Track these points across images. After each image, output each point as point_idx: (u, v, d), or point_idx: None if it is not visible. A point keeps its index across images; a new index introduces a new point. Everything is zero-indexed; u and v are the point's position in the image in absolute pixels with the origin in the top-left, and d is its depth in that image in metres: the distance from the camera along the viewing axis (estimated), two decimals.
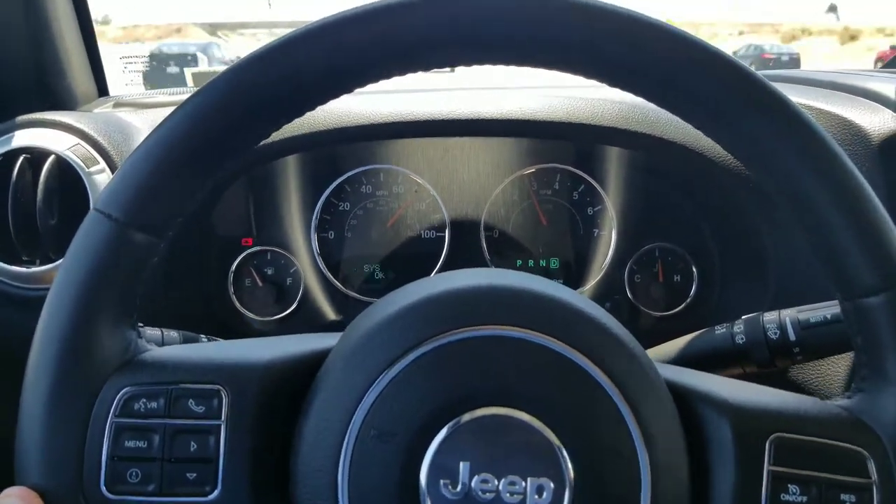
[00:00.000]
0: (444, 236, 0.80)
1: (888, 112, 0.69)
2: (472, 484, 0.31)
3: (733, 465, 0.34)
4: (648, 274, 0.80)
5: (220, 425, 0.33)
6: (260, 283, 0.78)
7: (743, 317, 0.57)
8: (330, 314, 0.80)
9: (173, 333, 0.53)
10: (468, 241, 0.80)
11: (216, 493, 0.33)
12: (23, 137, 0.64)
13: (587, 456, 0.32)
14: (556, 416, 0.32)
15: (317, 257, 0.79)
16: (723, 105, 0.34)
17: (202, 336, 0.55)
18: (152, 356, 0.35)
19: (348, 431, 0.32)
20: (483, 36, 0.33)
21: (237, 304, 0.78)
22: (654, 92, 0.35)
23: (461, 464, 0.31)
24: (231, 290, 0.78)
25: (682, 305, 0.79)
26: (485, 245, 0.80)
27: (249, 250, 0.78)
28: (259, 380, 0.34)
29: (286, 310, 0.78)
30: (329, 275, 0.79)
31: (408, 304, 0.35)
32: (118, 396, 0.33)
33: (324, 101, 0.35)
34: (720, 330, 0.58)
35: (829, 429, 0.35)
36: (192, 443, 0.33)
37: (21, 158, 0.63)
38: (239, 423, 0.33)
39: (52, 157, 0.64)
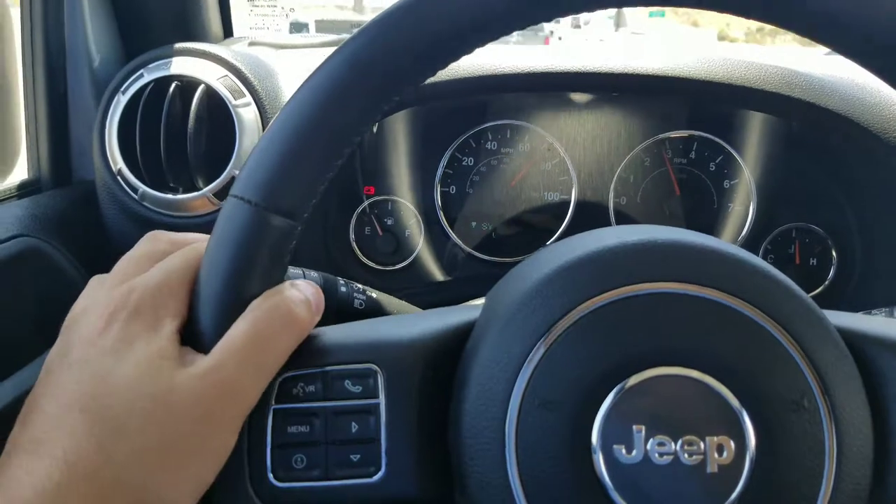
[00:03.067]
0: (570, 199, 0.78)
1: None
2: (648, 447, 0.29)
3: None
4: (784, 255, 0.76)
5: (378, 404, 0.33)
6: (380, 233, 0.77)
7: None
8: (447, 269, 0.79)
9: (313, 273, 0.53)
10: (594, 207, 0.78)
11: (381, 473, 0.32)
12: (175, 65, 0.64)
13: (766, 411, 0.30)
14: (730, 372, 0.30)
15: (438, 210, 0.78)
16: None
17: (339, 279, 0.55)
18: (305, 339, 0.34)
19: (510, 402, 0.30)
20: None
21: (357, 251, 0.77)
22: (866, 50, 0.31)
23: (634, 427, 0.29)
24: (352, 236, 0.77)
25: (818, 290, 0.75)
26: (612, 211, 0.78)
27: (371, 199, 0.77)
28: (412, 355, 0.34)
29: (404, 261, 0.77)
30: (449, 229, 0.78)
31: (560, 265, 0.33)
32: (276, 382, 0.33)
33: (477, 46, 0.32)
34: (878, 314, 0.55)
35: None
36: (353, 423, 0.33)
37: (173, 86, 0.63)
38: (397, 400, 0.33)
39: (202, 87, 0.64)
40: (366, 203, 0.77)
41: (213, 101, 0.64)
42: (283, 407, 0.33)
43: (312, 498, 0.32)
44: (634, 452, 0.29)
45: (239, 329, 0.31)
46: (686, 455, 0.29)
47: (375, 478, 0.32)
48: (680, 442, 0.29)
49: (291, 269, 0.53)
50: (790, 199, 0.75)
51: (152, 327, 0.31)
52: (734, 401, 0.30)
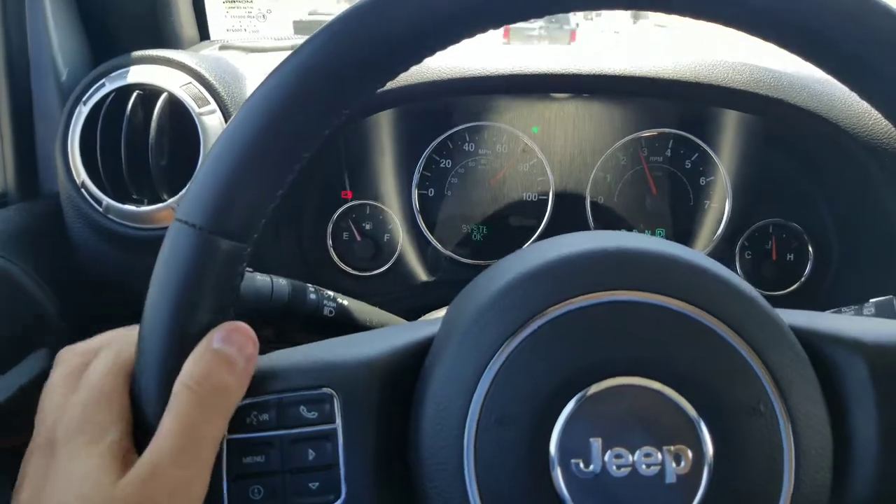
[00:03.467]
0: (548, 199, 0.77)
1: None
2: (606, 459, 0.29)
3: (874, 405, 0.32)
4: (761, 251, 0.76)
5: (335, 429, 0.32)
6: (358, 238, 0.76)
7: (872, 300, 0.53)
8: (425, 272, 0.78)
9: (282, 281, 0.52)
10: (572, 207, 0.77)
11: (341, 499, 0.31)
12: (137, 74, 0.63)
13: (723, 418, 0.30)
14: (685, 380, 0.30)
15: (416, 214, 0.77)
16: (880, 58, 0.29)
17: (309, 286, 0.54)
18: (256, 365, 0.33)
19: (468, 420, 0.30)
20: None
21: (335, 257, 0.76)
22: (800, 43, 0.31)
23: (591, 440, 0.29)
24: (329, 242, 0.76)
25: (795, 286, 0.75)
26: (589, 211, 0.77)
27: (349, 203, 0.76)
28: (368, 377, 0.33)
29: (382, 266, 0.76)
30: (427, 233, 0.77)
31: (515, 277, 0.32)
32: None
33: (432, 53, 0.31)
34: (847, 311, 0.55)
35: None
36: (310, 451, 0.32)
37: (134, 95, 0.62)
38: (354, 424, 0.32)
39: (164, 95, 0.62)
40: (343, 208, 0.76)
41: (177, 109, 0.63)
42: (238, 437, 0.32)
43: None
44: (592, 466, 0.29)
45: (166, 425, 0.30)
46: (644, 466, 0.29)
47: None
48: (637, 453, 0.29)
49: (259, 277, 0.52)
50: (766, 196, 0.75)
51: (94, 441, 0.30)
52: (690, 409, 0.30)
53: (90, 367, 0.32)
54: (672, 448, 0.29)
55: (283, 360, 0.34)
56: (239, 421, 0.32)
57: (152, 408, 0.31)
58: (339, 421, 0.32)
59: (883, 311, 0.52)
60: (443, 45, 0.31)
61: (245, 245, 0.32)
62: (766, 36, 0.31)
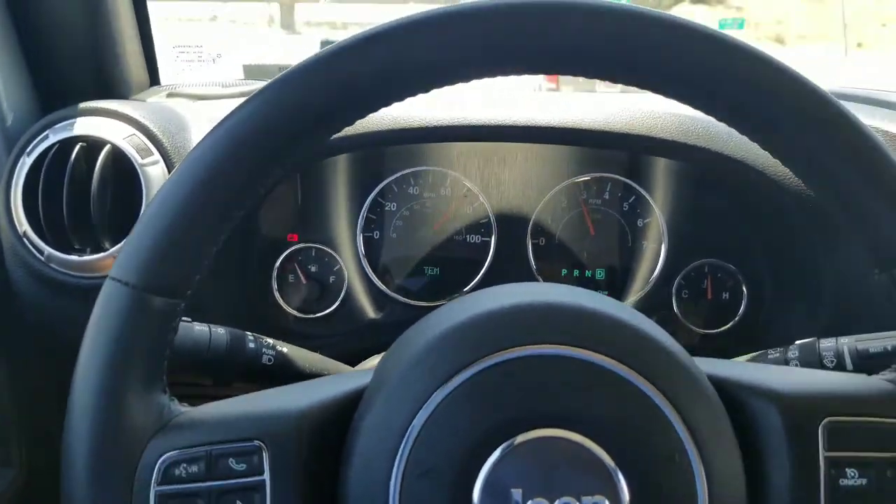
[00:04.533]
0: (490, 242, 0.79)
1: None
2: None
3: (787, 455, 0.33)
4: (697, 290, 0.78)
5: (264, 481, 0.32)
6: (303, 280, 0.78)
7: (797, 342, 0.55)
8: (371, 314, 0.79)
9: (220, 330, 0.53)
10: (514, 248, 0.79)
11: None
12: (81, 126, 0.64)
13: (639, 468, 0.31)
14: (604, 431, 0.31)
15: (361, 257, 0.79)
16: (782, 119, 0.32)
17: (248, 334, 0.55)
18: (188, 418, 0.34)
19: (394, 473, 0.31)
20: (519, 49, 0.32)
21: (280, 300, 0.77)
22: (710, 104, 0.33)
23: (513, 491, 0.30)
24: (274, 285, 0.77)
25: (730, 324, 0.77)
26: (531, 253, 0.79)
27: (294, 247, 0.78)
28: (297, 429, 0.33)
29: (328, 308, 0.78)
30: (372, 275, 0.79)
31: (442, 332, 0.34)
32: (158, 464, 0.33)
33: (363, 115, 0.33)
34: (773, 354, 0.57)
35: (882, 406, 0.34)
36: (238, 502, 0.32)
37: (77, 147, 0.63)
38: (282, 475, 0.33)
39: (107, 147, 0.64)
40: (289, 250, 0.78)
41: (120, 159, 0.64)
42: (165, 489, 0.32)
43: None
44: None
45: None
46: None
47: None
48: (557, 502, 0.30)
49: (197, 327, 0.52)
50: (701, 237, 0.77)
51: None
52: (609, 459, 0.31)
53: None
54: (591, 498, 0.30)
55: (214, 412, 0.35)
56: (168, 473, 0.32)
57: None
58: (267, 473, 0.33)
59: (806, 353, 0.54)
60: (366, 113, 0.33)
61: (179, 302, 0.33)
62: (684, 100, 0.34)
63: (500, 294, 0.36)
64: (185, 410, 0.35)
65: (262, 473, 0.33)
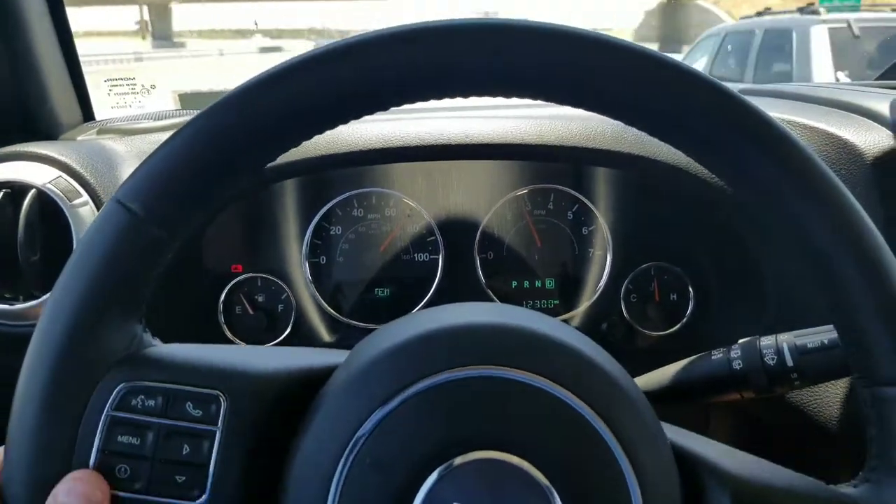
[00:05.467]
0: (438, 259, 0.79)
1: (883, 130, 0.68)
2: None
3: None
4: (644, 293, 0.79)
5: (215, 431, 0.33)
6: (251, 311, 0.77)
7: (739, 341, 0.56)
8: (324, 339, 0.78)
9: None
10: (463, 264, 0.79)
11: (203, 498, 0.32)
12: (2, 171, 0.63)
13: (575, 488, 0.31)
14: (552, 464, 0.31)
15: (308, 283, 0.78)
16: (710, 133, 0.33)
17: None
18: (156, 353, 0.35)
19: (344, 455, 0.31)
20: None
21: (227, 332, 0.76)
22: (638, 119, 0.34)
23: None
24: (221, 318, 0.76)
25: (679, 325, 0.78)
26: (479, 267, 0.79)
27: (239, 277, 0.77)
28: (261, 389, 0.34)
29: (278, 337, 0.77)
30: (321, 300, 0.78)
31: (411, 337, 0.34)
32: (117, 389, 0.33)
33: (356, 116, 0.34)
34: (717, 355, 0.57)
35: None
36: (186, 446, 0.33)
37: (1, 193, 0.61)
38: (235, 431, 0.33)
39: (32, 192, 0.62)
40: (232, 282, 0.77)
41: (48, 203, 0.62)
42: (118, 415, 0.32)
43: None
44: None
45: None
46: None
47: (198, 502, 0.32)
48: None
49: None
50: (647, 241, 0.78)
51: None
52: (552, 491, 0.31)
53: None
54: None
55: (183, 353, 0.35)
56: (125, 400, 0.33)
57: None
58: (220, 424, 0.33)
59: (747, 352, 0.55)
60: (301, 141, 0.34)
61: (174, 240, 0.34)
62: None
63: (442, 315, 0.36)
64: (156, 345, 0.35)
65: (215, 423, 0.33)
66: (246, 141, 0.33)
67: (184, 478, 0.32)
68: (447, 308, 0.38)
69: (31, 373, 0.32)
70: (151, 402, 0.33)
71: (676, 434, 0.37)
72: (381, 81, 0.33)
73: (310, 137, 0.34)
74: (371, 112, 0.34)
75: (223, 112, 0.33)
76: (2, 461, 0.32)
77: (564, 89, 0.34)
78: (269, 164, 0.35)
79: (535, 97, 0.34)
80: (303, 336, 0.78)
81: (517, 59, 0.33)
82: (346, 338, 0.79)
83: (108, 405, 0.32)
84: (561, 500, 0.31)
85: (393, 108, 0.35)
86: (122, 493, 0.32)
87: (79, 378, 0.32)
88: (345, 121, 0.34)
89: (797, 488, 0.35)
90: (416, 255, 0.80)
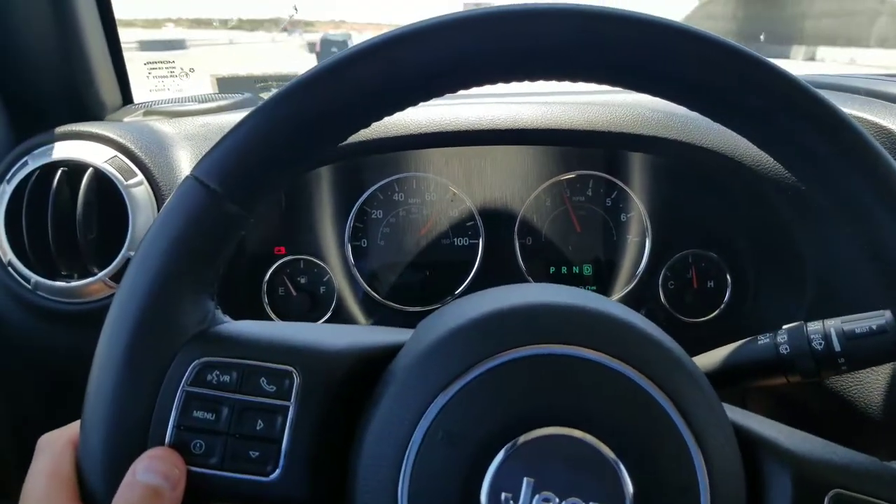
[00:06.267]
0: (478, 244, 0.80)
1: None
2: (534, 501, 0.30)
3: None
4: (682, 280, 0.80)
5: (288, 406, 0.33)
6: (293, 293, 0.78)
7: (785, 326, 0.57)
8: (363, 321, 0.79)
9: None
10: (502, 249, 0.80)
11: (276, 473, 0.33)
12: (61, 150, 0.63)
13: (648, 481, 0.31)
14: (625, 445, 0.32)
15: (351, 266, 0.79)
16: (774, 119, 0.33)
17: None
18: (229, 329, 0.35)
19: (416, 429, 0.31)
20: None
21: (271, 313, 0.77)
22: (699, 103, 0.34)
23: (525, 479, 0.31)
24: (265, 299, 0.77)
25: (717, 311, 0.79)
26: (519, 252, 0.80)
27: (282, 259, 0.78)
28: (332, 366, 0.34)
29: (321, 318, 0.78)
30: (363, 283, 0.79)
31: (483, 314, 0.34)
32: (192, 365, 0.33)
33: (424, 99, 0.35)
34: (763, 340, 0.58)
35: (890, 490, 0.35)
36: (260, 421, 0.33)
37: (59, 172, 0.62)
38: (307, 407, 0.33)
39: (90, 171, 0.63)
40: (275, 264, 0.77)
41: (104, 182, 0.63)
42: (194, 390, 0.33)
43: (204, 483, 0.33)
44: (519, 503, 0.30)
45: None
46: None
47: (271, 477, 0.33)
48: (565, 502, 0.30)
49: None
50: (684, 228, 0.79)
51: None
52: (623, 472, 0.31)
53: (27, 477, 0.33)
54: None
55: (256, 330, 0.36)
56: (200, 376, 0.33)
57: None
58: (293, 400, 0.33)
59: (794, 337, 0.55)
60: (371, 122, 0.35)
61: (249, 216, 0.34)
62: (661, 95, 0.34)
63: (533, 291, 0.37)
64: (228, 321, 0.36)
65: (288, 399, 0.33)
66: (319, 122, 0.33)
67: (257, 453, 0.33)
68: (513, 288, 0.38)
69: (108, 347, 0.32)
70: (226, 378, 0.33)
71: (733, 412, 0.38)
72: (463, 60, 0.33)
73: (381, 118, 0.35)
74: (452, 91, 0.35)
75: (300, 93, 0.33)
76: (78, 436, 0.33)
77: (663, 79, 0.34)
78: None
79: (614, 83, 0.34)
80: (344, 318, 0.79)
81: (600, 40, 0.33)
82: (385, 320, 0.80)
83: (184, 380, 0.33)
84: (628, 473, 0.31)
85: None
86: (196, 469, 0.32)
87: (155, 353, 0.33)
88: (424, 99, 0.35)
89: (855, 464, 0.36)
90: (455, 239, 0.81)
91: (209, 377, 0.33)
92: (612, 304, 0.37)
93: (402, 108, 0.35)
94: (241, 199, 0.33)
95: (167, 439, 0.32)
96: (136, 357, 0.32)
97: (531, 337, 0.33)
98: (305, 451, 0.33)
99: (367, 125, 0.35)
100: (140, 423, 0.32)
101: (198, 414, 0.33)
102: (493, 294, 0.38)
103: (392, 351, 0.36)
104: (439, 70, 0.34)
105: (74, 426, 0.34)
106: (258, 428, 0.33)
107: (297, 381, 0.34)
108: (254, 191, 0.34)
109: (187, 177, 0.33)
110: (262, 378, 0.34)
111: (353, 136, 0.34)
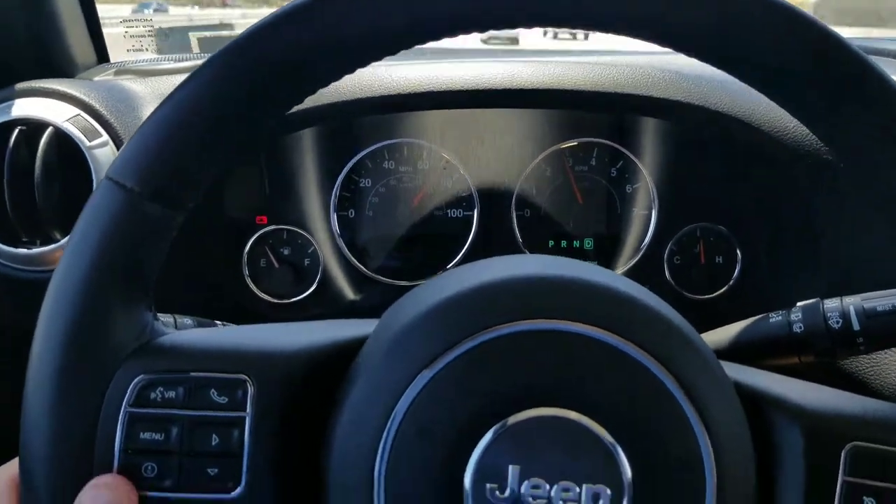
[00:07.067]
0: (473, 215, 0.75)
1: None
2: (522, 489, 0.28)
3: (804, 474, 0.32)
4: (689, 255, 0.75)
5: (244, 417, 0.31)
6: (276, 264, 0.73)
7: (799, 303, 0.53)
8: (351, 296, 0.75)
9: (187, 320, 0.49)
10: (498, 221, 0.75)
11: (239, 489, 0.30)
12: (18, 108, 0.59)
13: (648, 461, 0.29)
14: (615, 418, 0.29)
15: (336, 237, 0.74)
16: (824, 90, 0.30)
17: (217, 322, 0.51)
18: (170, 340, 0.32)
19: (387, 427, 0.29)
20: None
21: (252, 286, 0.73)
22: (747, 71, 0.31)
23: (510, 467, 0.28)
24: (246, 271, 0.73)
25: (725, 288, 0.74)
26: (516, 225, 0.75)
27: (264, 229, 0.73)
28: (288, 369, 0.32)
29: (304, 292, 0.73)
30: (350, 255, 0.75)
31: (452, 295, 0.31)
32: (133, 384, 0.31)
33: (362, 65, 0.31)
34: (775, 317, 0.54)
35: None
36: (214, 436, 0.31)
37: (16, 131, 0.58)
38: (265, 415, 0.31)
39: (49, 130, 0.58)
40: (256, 234, 0.73)
41: (66, 143, 0.59)
42: (137, 411, 0.30)
43: None
44: (507, 493, 0.28)
45: None
46: (561, 501, 0.28)
47: (233, 493, 0.30)
48: (556, 487, 0.28)
49: (162, 317, 0.49)
50: (693, 201, 0.74)
51: None
52: (617, 448, 0.28)
53: None
54: (592, 487, 0.28)
55: (200, 338, 0.33)
56: (143, 395, 0.31)
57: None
58: (249, 410, 0.31)
59: (810, 315, 0.52)
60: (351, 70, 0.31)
61: (176, 214, 0.31)
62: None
63: (501, 264, 0.34)
64: (169, 333, 0.33)
65: (244, 409, 0.31)
66: (243, 99, 0.30)
67: (216, 470, 0.30)
68: (490, 262, 0.35)
69: (38, 374, 0.30)
70: (172, 393, 0.31)
71: (735, 370, 0.35)
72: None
73: (325, 84, 0.31)
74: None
75: (218, 63, 0.30)
76: (17, 475, 0.30)
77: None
78: (295, 109, 0.32)
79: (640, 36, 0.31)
80: (329, 292, 0.74)
81: None
82: (373, 295, 0.76)
83: (125, 401, 0.30)
84: (627, 457, 0.28)
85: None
86: (151, 493, 0.30)
87: (89, 375, 0.30)
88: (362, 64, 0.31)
89: (872, 413, 0.33)
90: (449, 210, 0.76)
91: (153, 395, 0.31)
92: (594, 271, 0.33)
93: (346, 71, 0.31)
94: (166, 196, 0.30)
95: (115, 465, 0.30)
96: (69, 382, 0.30)
97: (507, 315, 0.30)
98: (269, 462, 0.31)
99: (308, 93, 0.31)
100: (83, 453, 0.30)
101: (145, 435, 0.30)
102: (461, 272, 0.35)
103: (356, 345, 0.33)
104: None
105: (13, 464, 0.31)
106: (213, 443, 0.31)
107: (251, 389, 0.31)
108: (179, 185, 0.31)
109: (102, 179, 0.30)
110: (212, 390, 0.31)
111: (342, 94, 0.31)
